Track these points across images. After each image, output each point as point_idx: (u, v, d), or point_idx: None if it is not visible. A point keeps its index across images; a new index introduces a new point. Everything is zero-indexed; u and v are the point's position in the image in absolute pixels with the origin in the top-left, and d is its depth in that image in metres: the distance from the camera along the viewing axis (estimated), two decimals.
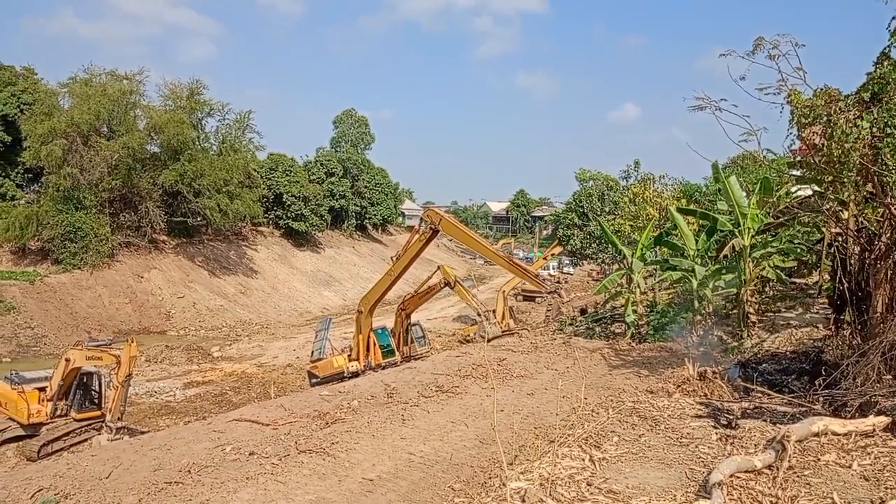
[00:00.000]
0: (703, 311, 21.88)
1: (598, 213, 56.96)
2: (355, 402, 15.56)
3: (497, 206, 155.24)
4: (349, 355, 28.09)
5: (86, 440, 20.61)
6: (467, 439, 12.78)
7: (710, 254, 22.62)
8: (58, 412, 21.02)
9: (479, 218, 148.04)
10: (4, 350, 36.50)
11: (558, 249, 58.68)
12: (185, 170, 53.12)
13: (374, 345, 28.41)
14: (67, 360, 20.61)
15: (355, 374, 26.31)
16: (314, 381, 27.60)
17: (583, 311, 32.22)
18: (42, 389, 21.22)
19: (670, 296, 28.29)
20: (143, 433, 21.60)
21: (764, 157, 15.74)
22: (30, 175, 51.80)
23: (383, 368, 26.39)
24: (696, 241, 22.79)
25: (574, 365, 18.89)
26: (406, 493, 10.24)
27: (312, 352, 29.68)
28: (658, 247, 25.94)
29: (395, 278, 27.00)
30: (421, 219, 26.39)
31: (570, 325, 27.79)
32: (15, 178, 50.98)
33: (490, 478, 9.52)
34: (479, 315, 34.26)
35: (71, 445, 20.31)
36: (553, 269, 72.52)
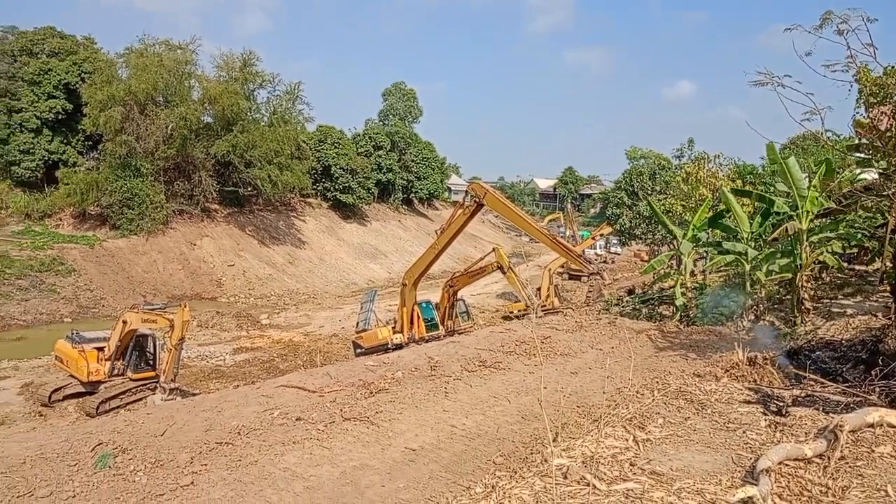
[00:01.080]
0: (756, 296, 21.31)
1: (649, 192, 55.77)
2: (399, 374, 15.75)
3: (544, 183, 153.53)
4: (393, 327, 28.40)
5: (141, 399, 21.46)
6: (509, 414, 12.83)
7: (764, 237, 21.95)
8: (115, 371, 21.92)
9: (526, 195, 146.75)
10: (66, 310, 38.13)
11: (607, 230, 57.74)
12: (238, 140, 54.06)
13: (418, 318, 28.62)
14: (124, 322, 21.42)
15: (399, 346, 26.60)
16: (359, 351, 28.04)
17: (630, 292, 31.77)
18: (101, 349, 22.14)
19: (721, 279, 27.63)
20: (194, 395, 22.40)
21: (827, 137, 15.09)
22: (90, 143, 53.46)
23: (427, 342, 26.60)
24: (751, 224, 22.13)
25: (619, 345, 18.70)
26: (448, 464, 10.37)
27: (358, 323, 30.12)
28: (710, 228, 25.25)
29: (438, 252, 27.01)
30: (465, 192, 26.24)
31: (617, 305, 27.45)
32: (76, 145, 52.69)
33: (532, 453, 9.55)
34: (527, 307, 33.92)
35: (127, 404, 21.18)
36: (600, 248, 71.68)
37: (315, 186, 69.50)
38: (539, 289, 39.88)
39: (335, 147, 69.58)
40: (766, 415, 9.91)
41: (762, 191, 26.20)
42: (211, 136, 55.77)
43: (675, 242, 25.85)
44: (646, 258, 64.78)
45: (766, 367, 13.13)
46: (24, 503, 9.08)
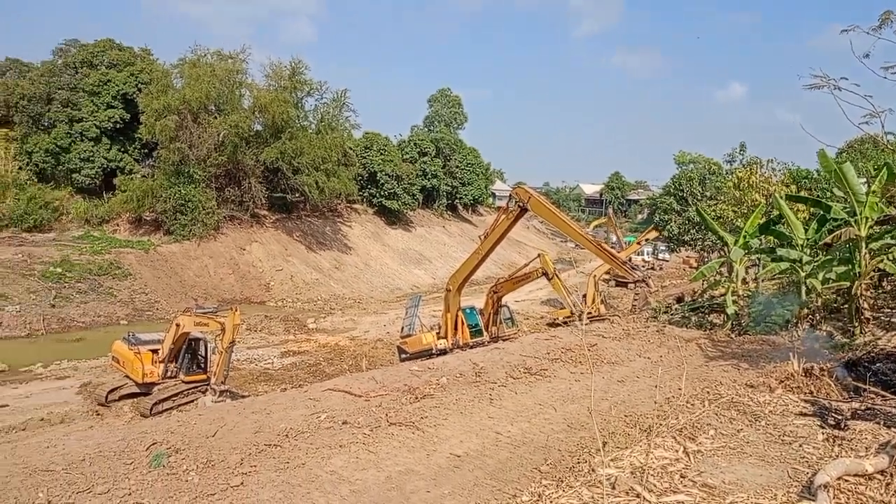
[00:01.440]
0: (811, 305, 20.64)
1: (699, 198, 54.55)
2: (444, 379, 15.78)
3: (590, 189, 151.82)
4: (438, 333, 28.43)
5: (192, 401, 21.99)
6: (555, 423, 12.71)
7: (820, 244, 21.24)
8: (168, 374, 22.52)
9: (572, 200, 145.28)
10: (122, 313, 39.42)
11: (654, 234, 56.56)
12: (286, 147, 55.10)
13: (462, 324, 28.58)
14: (178, 326, 22.00)
15: (443, 352, 26.61)
16: (403, 356, 28.17)
17: (679, 300, 31.13)
18: (155, 351, 22.78)
19: (774, 287, 26.84)
20: (243, 397, 22.86)
21: (888, 141, 14.55)
22: (145, 150, 55.23)
23: (471, 347, 26.55)
24: (806, 231, 21.45)
25: (668, 354, 18.36)
26: (493, 471, 10.33)
27: (402, 328, 30.26)
28: (763, 235, 24.54)
29: (482, 257, 26.94)
30: (510, 196, 26.08)
31: (665, 312, 26.94)
32: (133, 153, 54.50)
33: (579, 462, 9.43)
34: (571, 313, 33.47)
35: (179, 405, 21.73)
36: (647, 254, 70.41)
37: (361, 192, 70.27)
38: (585, 296, 39.42)
39: (381, 153, 70.26)
40: (823, 428, 9.59)
41: (818, 196, 25.39)
42: (260, 143, 56.98)
43: (725, 249, 25.22)
44: (694, 265, 63.36)
45: (823, 378, 12.70)
46: (84, 499, 9.41)
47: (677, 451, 8.62)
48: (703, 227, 46.16)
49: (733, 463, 8.27)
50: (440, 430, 12.29)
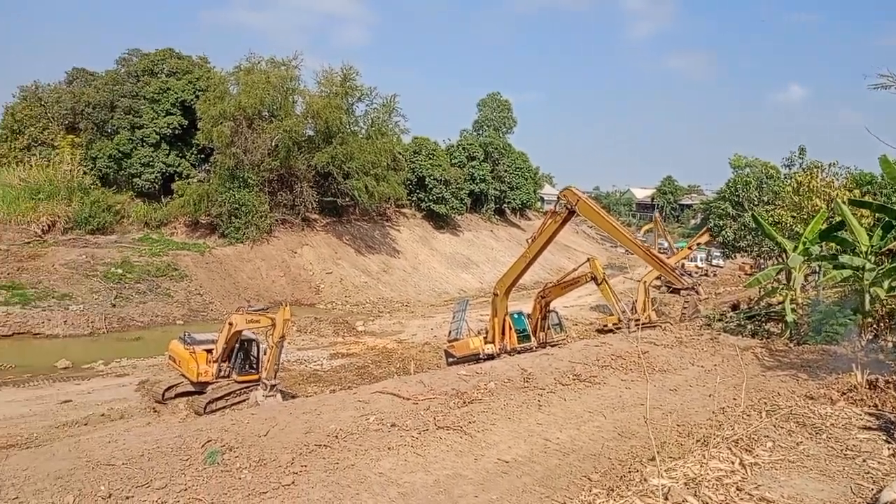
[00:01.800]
0: (875, 314, 19.79)
1: (755, 203, 52.94)
2: (492, 384, 15.73)
3: (641, 193, 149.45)
4: (485, 337, 28.35)
5: (244, 400, 22.48)
6: (605, 430, 12.53)
7: (884, 251, 20.37)
8: (221, 373, 23.06)
9: (622, 204, 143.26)
10: (178, 313, 40.63)
11: (705, 238, 55.05)
12: (337, 153, 55.95)
13: (510, 329, 28.42)
14: (230, 325, 22.55)
15: (490, 357, 26.52)
16: (450, 360, 28.19)
17: (734, 307, 30.27)
18: (209, 351, 23.37)
19: (836, 295, 25.85)
20: (293, 396, 23.29)
21: None
22: (202, 156, 56.91)
23: (518, 353, 26.38)
24: (870, 237, 20.59)
25: (723, 363, 17.88)
26: (541, 478, 10.24)
27: (450, 332, 30.29)
28: (824, 242, 23.67)
29: (529, 261, 26.72)
30: (557, 198, 25.80)
31: (720, 320, 26.24)
32: (190, 158, 56.25)
33: (630, 472, 9.26)
34: (619, 321, 32.83)
35: (232, 404, 22.23)
36: (701, 260, 68.80)
37: (410, 197, 70.78)
38: (635, 302, 38.73)
39: (429, 158, 70.68)
40: (889, 443, 9.18)
41: (883, 202, 24.37)
42: (312, 148, 58.02)
43: (783, 256, 24.42)
44: (749, 272, 61.56)
45: (888, 391, 12.16)
46: (142, 493, 9.72)
47: (733, 462, 8.38)
48: (759, 233, 44.79)
49: (792, 477, 7.99)
50: (488, 434, 12.25)
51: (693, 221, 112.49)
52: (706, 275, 67.33)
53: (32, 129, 57.23)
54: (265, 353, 22.86)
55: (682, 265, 61.45)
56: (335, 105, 56.68)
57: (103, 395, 24.27)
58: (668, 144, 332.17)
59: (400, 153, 66.06)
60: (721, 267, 71.25)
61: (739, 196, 55.28)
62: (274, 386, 21.62)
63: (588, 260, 31.24)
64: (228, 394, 22.50)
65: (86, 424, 20.92)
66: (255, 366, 23.42)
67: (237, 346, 23.16)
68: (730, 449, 8.94)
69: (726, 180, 62.67)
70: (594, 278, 30.94)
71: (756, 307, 27.88)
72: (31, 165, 51.42)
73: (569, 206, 24.41)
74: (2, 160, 55.22)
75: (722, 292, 52.65)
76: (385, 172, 59.06)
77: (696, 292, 27.99)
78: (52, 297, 36.82)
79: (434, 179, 69.74)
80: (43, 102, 58.77)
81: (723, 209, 58.12)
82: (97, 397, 23.89)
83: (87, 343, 33.85)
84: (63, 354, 30.24)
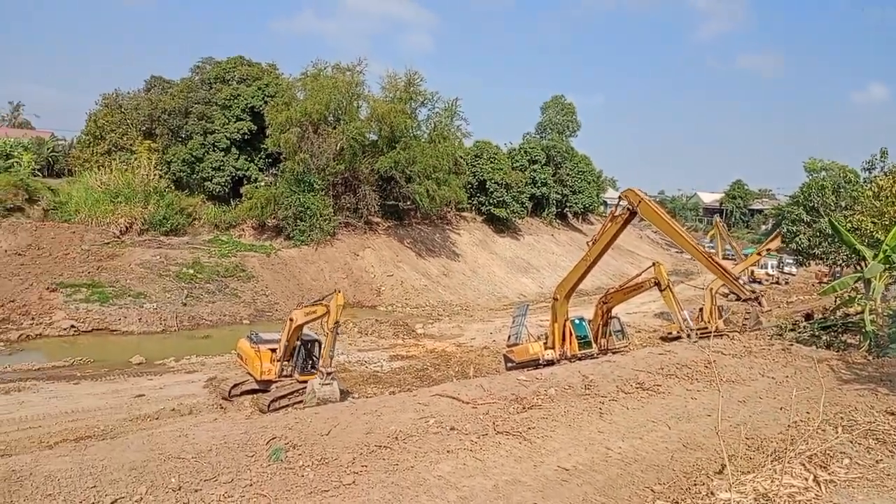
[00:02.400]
0: None
1: (832, 208, 50.62)
2: (552, 391, 15.55)
3: (709, 198, 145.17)
4: (545, 343, 28.06)
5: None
6: (669, 441, 12.19)
7: None
8: (284, 372, 23.64)
9: (689, 209, 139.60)
10: (245, 313, 41.85)
11: (775, 244, 52.75)
12: (400, 157, 56.55)
13: (571, 335, 28.03)
14: (291, 320, 23.15)
15: (550, 363, 26.24)
16: (509, 365, 28.03)
17: (808, 317, 28.98)
18: (274, 350, 24.00)
19: None
20: (348, 392, 23.66)
21: None
22: (269, 160, 58.54)
23: (579, 359, 25.99)
24: None
25: (795, 374, 17.14)
26: (602, 487, 10.04)
27: (509, 336, 30.11)
28: None
29: (590, 264, 26.30)
30: (618, 198, 25.29)
31: (792, 330, 25.18)
32: (258, 162, 57.98)
33: (695, 484, 9.00)
34: (680, 330, 31.78)
35: (293, 403, 22.74)
36: (772, 268, 66.27)
37: (470, 200, 70.85)
38: (701, 310, 37.58)
39: (491, 162, 70.60)
40: None
41: None
42: (375, 152, 58.86)
43: (862, 264, 23.23)
44: (824, 280, 58.87)
45: None
46: (210, 487, 10.04)
47: (807, 479, 8.01)
48: (835, 240, 42.85)
49: (871, 496, 7.58)
50: (548, 441, 12.11)
51: (764, 227, 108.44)
52: (777, 282, 64.79)
53: (113, 134, 60.21)
54: (333, 356, 23.27)
55: (752, 272, 59.28)
56: (399, 109, 57.27)
57: (174, 390, 25.23)
58: (737, 147, 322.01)
59: (461, 157, 66.22)
60: (793, 275, 68.44)
61: (814, 201, 52.95)
62: (329, 374, 21.97)
63: (653, 264, 30.44)
64: (291, 392, 23.03)
65: (157, 418, 21.80)
66: (316, 366, 23.89)
67: (299, 345, 23.68)
68: (803, 465, 8.55)
69: (800, 184, 60.30)
70: (657, 284, 30.14)
71: (832, 317, 26.62)
72: (111, 169, 54.03)
73: (630, 208, 23.94)
74: (85, 164, 58.28)
75: (794, 301, 50.57)
76: (446, 176, 59.27)
77: (759, 303, 26.87)
78: (129, 296, 38.57)
79: (495, 183, 69.60)
80: (123, 109, 61.80)
81: (796, 214, 55.86)
82: (168, 392, 24.85)
83: (159, 340, 35.31)
84: (137, 350, 31.62)
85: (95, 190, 50.81)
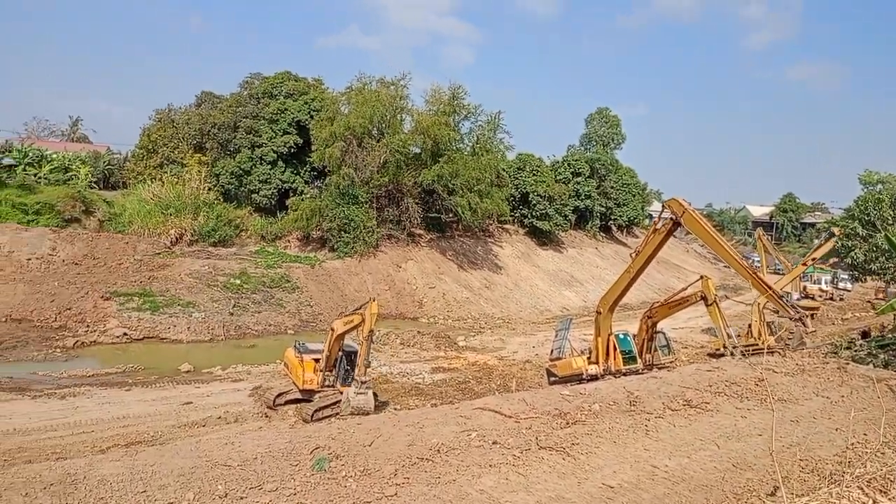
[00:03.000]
0: None
1: (890, 222, 48.81)
2: (596, 406, 15.31)
3: (759, 211, 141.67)
4: (588, 357, 27.70)
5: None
6: (718, 461, 11.86)
7: None
8: (326, 382, 23.85)
9: (737, 223, 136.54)
10: (290, 323, 42.49)
11: (828, 246, 50.34)
12: (443, 170, 56.87)
13: (615, 349, 27.61)
14: (332, 330, 23.41)
15: (594, 378, 25.86)
16: (552, 379, 27.74)
17: (865, 335, 27.92)
18: (317, 360, 24.27)
19: None
20: (384, 402, 23.76)
21: None
22: (315, 172, 59.57)
23: (624, 375, 25.56)
24: None
25: (852, 394, 16.50)
26: None
27: (552, 350, 29.81)
28: None
29: (633, 276, 25.90)
30: (661, 207, 24.88)
31: (848, 348, 24.29)
32: (303, 175, 59.06)
33: None
34: (723, 346, 30.89)
35: (335, 414, 22.91)
36: (825, 283, 64.02)
37: (513, 213, 70.71)
38: (750, 326, 36.55)
39: (533, 174, 70.39)
40: None
41: None
42: (419, 165, 59.33)
43: None
44: (882, 297, 56.65)
45: None
46: (255, 495, 10.18)
47: None
48: (892, 255, 41.27)
49: None
50: (592, 458, 11.91)
51: (816, 241, 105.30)
52: (831, 298, 62.55)
53: (165, 148, 62.26)
54: (368, 364, 23.45)
55: (804, 288, 57.45)
56: (443, 122, 57.64)
57: (220, 398, 25.72)
58: (788, 160, 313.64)
59: (503, 169, 66.19)
60: (848, 290, 66.03)
61: (871, 215, 51.13)
62: (364, 383, 22.06)
63: (700, 278, 29.78)
64: (334, 403, 23.20)
65: (204, 426, 22.24)
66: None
67: (341, 355, 23.87)
68: (861, 489, 8.19)
69: (855, 198, 58.31)
70: (704, 298, 29.46)
71: (891, 335, 25.57)
72: (163, 182, 55.79)
73: (673, 217, 23.59)
74: (138, 177, 60.34)
75: (849, 318, 48.76)
76: (489, 189, 59.29)
77: (803, 324, 26.05)
78: (178, 305, 39.59)
79: (538, 196, 69.34)
80: (175, 124, 63.90)
81: (851, 228, 53.95)
82: (215, 400, 25.34)
83: (207, 348, 36.10)
84: (186, 359, 32.37)
85: (148, 202, 52.53)
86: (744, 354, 29.24)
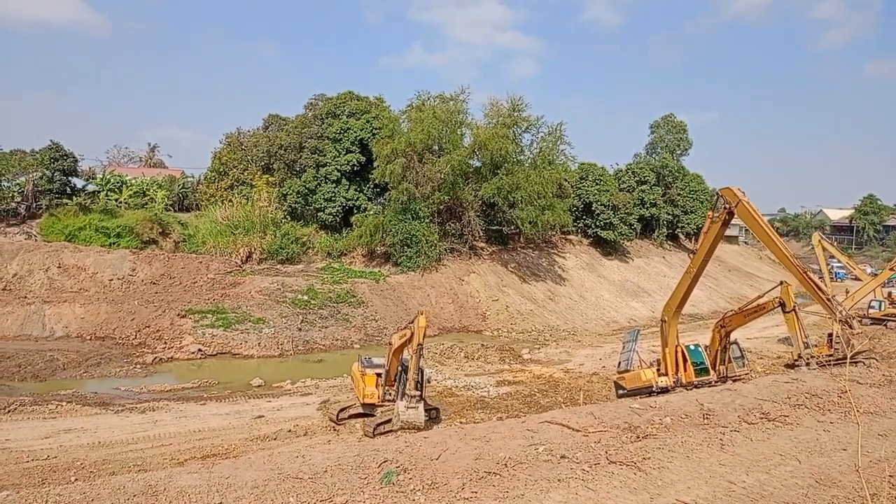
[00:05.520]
0: None
1: None
2: (667, 419, 14.87)
3: (836, 214, 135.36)
4: (658, 369, 27.01)
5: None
6: (799, 476, 11.33)
7: None
8: (388, 397, 23.96)
9: (813, 227, 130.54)
10: (356, 338, 43.15)
11: None
12: (503, 183, 56.81)
13: (686, 361, 26.85)
14: (391, 344, 23.59)
15: (664, 390, 25.20)
16: (621, 392, 27.17)
17: None
18: (379, 375, 24.46)
19: None
20: (436, 408, 24.27)
21: None
22: (378, 189, 60.62)
23: (696, 387, 24.79)
24: None
25: None
26: None
27: (620, 363, 29.21)
28: None
29: (694, 275, 25.13)
30: (716, 196, 24.15)
31: None
32: (366, 192, 60.15)
33: None
34: (799, 356, 29.56)
35: (399, 428, 22.98)
36: None
37: (576, 223, 69.93)
38: (830, 335, 34.83)
39: (596, 183, 69.48)
40: None
41: None
42: (479, 178, 59.50)
43: None
44: None
45: None
46: None
47: None
48: None
49: None
50: (664, 473, 11.57)
51: None
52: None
53: (235, 170, 64.65)
54: (428, 381, 23.46)
55: (889, 294, 54.30)
56: (501, 135, 57.64)
57: (290, 412, 26.32)
58: (867, 159, 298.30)
59: (566, 180, 65.55)
60: None
61: None
62: (413, 397, 21.96)
63: (780, 283, 28.58)
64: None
65: (275, 439, 22.79)
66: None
67: (400, 370, 23.94)
68: None
69: None
70: (782, 305, 28.29)
71: None
72: (233, 203, 57.88)
73: (727, 206, 22.97)
74: (210, 199, 62.80)
75: None
76: (551, 200, 58.78)
77: (850, 326, 24.65)
78: (249, 321, 40.84)
79: (601, 205, 68.36)
80: (244, 147, 66.31)
81: None
82: (285, 414, 25.96)
83: (276, 363, 37.06)
84: (257, 373, 33.35)
85: (219, 222, 54.62)
86: (820, 364, 27.93)
